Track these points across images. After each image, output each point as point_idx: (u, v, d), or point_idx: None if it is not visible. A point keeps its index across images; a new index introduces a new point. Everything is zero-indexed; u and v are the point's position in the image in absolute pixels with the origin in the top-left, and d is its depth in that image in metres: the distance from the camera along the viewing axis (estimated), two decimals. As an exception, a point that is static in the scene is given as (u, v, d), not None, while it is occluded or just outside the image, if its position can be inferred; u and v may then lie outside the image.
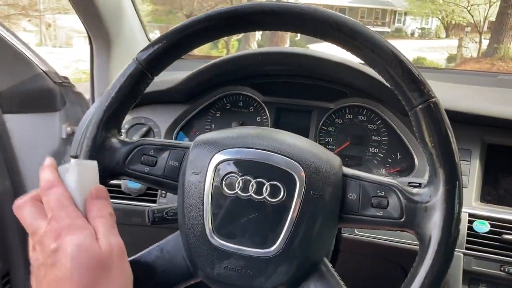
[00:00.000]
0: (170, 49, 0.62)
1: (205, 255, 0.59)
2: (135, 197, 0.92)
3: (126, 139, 0.65)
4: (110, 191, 0.92)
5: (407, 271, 0.90)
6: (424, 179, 0.85)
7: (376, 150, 0.94)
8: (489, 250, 0.79)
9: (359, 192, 0.59)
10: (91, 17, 1.01)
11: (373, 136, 0.95)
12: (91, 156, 0.63)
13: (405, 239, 0.82)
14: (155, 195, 0.92)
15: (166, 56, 0.63)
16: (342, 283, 0.59)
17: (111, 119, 0.64)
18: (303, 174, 0.57)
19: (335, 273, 0.60)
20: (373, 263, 0.92)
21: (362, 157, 0.94)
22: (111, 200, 0.92)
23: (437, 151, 0.54)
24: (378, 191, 0.58)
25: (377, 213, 0.58)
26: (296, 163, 0.58)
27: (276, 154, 0.58)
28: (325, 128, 0.97)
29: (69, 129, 1.27)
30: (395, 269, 0.89)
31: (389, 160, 0.93)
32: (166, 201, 0.91)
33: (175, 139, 0.99)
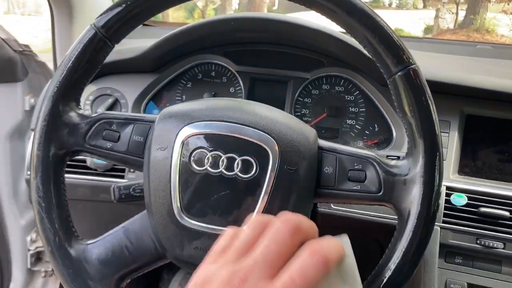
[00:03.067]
0: (131, 14, 0.57)
1: (174, 235, 0.55)
2: (102, 172, 0.87)
3: (86, 113, 0.60)
4: (75, 166, 0.88)
5: (383, 246, 0.89)
6: (403, 152, 0.82)
7: (353, 122, 0.91)
8: (466, 223, 0.78)
9: (335, 166, 0.56)
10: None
11: (350, 108, 0.92)
12: (47, 132, 0.58)
13: (381, 213, 0.81)
14: (123, 170, 0.87)
15: (127, 21, 0.57)
16: None
17: (68, 91, 0.59)
18: (276, 147, 0.54)
19: None
20: (350, 238, 0.90)
21: (339, 129, 0.91)
22: (77, 176, 0.88)
23: (417, 120, 0.52)
24: (355, 164, 0.55)
25: (354, 187, 0.55)
26: (268, 136, 0.54)
27: (248, 127, 0.55)
28: (301, 99, 0.93)
29: (32, 100, 1.20)
30: (371, 244, 0.88)
31: (366, 132, 0.90)
32: (135, 177, 0.87)
33: (144, 111, 0.94)
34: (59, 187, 0.59)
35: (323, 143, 0.58)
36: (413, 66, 0.51)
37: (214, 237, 0.54)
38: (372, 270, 0.91)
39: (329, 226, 0.80)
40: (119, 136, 0.59)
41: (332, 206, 0.82)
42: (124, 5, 0.56)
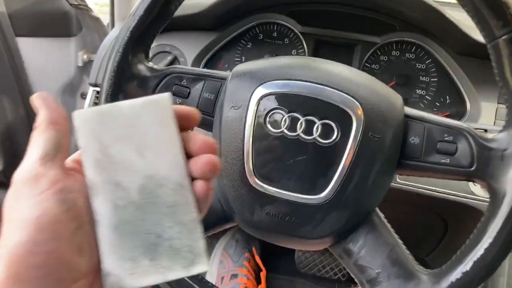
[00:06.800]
0: None
1: (244, 198, 0.53)
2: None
3: (155, 66, 0.57)
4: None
5: (449, 224, 0.85)
6: (481, 124, 0.77)
7: (423, 92, 0.85)
8: None
9: (423, 136, 0.51)
10: None
11: (421, 77, 0.86)
12: (116, 83, 0.55)
13: (450, 190, 0.76)
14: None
15: None
16: (396, 236, 0.53)
17: (138, 41, 0.56)
18: (360, 112, 0.50)
19: (388, 225, 0.54)
20: (411, 213, 0.86)
21: (407, 99, 0.86)
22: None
23: None
24: (445, 135, 0.51)
25: (442, 160, 0.50)
26: (352, 99, 0.50)
27: (330, 89, 0.50)
28: (369, 65, 0.88)
29: (85, 56, 1.19)
30: (435, 221, 0.83)
31: (437, 103, 0.85)
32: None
33: (203, 70, 0.91)
34: None
35: (410, 110, 0.53)
36: None
37: (288, 203, 0.51)
38: (434, 248, 0.87)
39: (392, 200, 0.76)
40: (189, 92, 0.56)
41: (398, 179, 0.78)
42: None
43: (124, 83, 0.55)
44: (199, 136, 0.37)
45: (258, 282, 1.19)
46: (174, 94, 0.56)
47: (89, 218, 0.35)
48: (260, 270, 1.22)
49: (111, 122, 0.35)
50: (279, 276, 1.27)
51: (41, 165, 0.34)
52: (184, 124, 0.37)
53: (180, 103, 0.56)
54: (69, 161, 0.38)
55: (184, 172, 0.36)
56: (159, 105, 0.36)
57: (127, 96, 0.56)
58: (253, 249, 1.25)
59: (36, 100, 0.37)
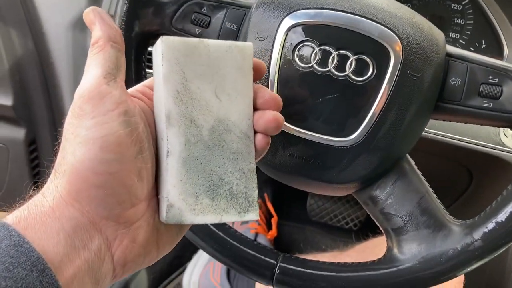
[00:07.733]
0: None
1: None
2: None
3: None
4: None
5: (474, 175, 0.81)
6: None
7: (457, 36, 0.79)
8: None
9: (465, 77, 0.47)
10: None
11: (456, 19, 0.79)
12: (131, 8, 0.51)
13: (479, 140, 0.72)
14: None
15: None
16: (427, 184, 0.50)
17: None
18: (399, 48, 0.45)
19: (419, 172, 0.50)
20: (433, 163, 0.82)
21: (440, 42, 0.80)
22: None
23: None
24: (490, 76, 0.46)
25: (485, 104, 0.46)
26: (392, 33, 0.45)
27: (367, 20, 0.46)
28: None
29: (96, -12, 1.12)
30: (459, 172, 0.80)
31: (471, 48, 0.79)
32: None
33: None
34: (140, 75, 0.53)
35: (453, 49, 0.48)
36: None
37: (312, 145, 0.47)
38: (455, 200, 0.84)
39: (416, 149, 0.72)
40: (209, 22, 0.52)
41: (425, 127, 0.74)
42: None
43: (140, 8, 0.51)
44: (267, 91, 0.39)
45: (269, 228, 1.19)
46: (192, 23, 0.52)
47: (148, 144, 0.35)
48: (272, 216, 1.21)
49: (197, 57, 0.36)
50: (290, 223, 1.26)
51: (105, 84, 0.33)
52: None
53: (199, 33, 0.52)
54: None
55: (251, 123, 0.38)
56: (243, 52, 0.37)
57: (143, 25, 0.52)
58: (265, 195, 1.24)
59: (90, 15, 0.35)
